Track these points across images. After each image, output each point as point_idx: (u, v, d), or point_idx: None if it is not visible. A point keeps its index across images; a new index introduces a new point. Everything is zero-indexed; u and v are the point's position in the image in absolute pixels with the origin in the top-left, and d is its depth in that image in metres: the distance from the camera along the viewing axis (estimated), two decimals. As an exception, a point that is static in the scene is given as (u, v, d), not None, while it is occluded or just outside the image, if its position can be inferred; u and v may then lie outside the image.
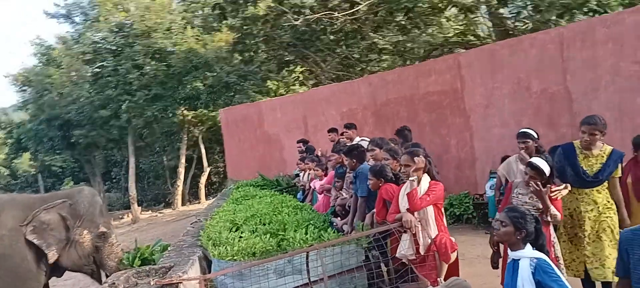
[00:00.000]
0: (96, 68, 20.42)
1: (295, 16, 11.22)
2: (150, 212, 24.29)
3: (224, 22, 14.19)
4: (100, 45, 20.73)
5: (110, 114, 20.68)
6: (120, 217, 23.51)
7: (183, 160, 23.54)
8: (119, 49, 20.06)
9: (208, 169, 24.74)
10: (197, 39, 20.26)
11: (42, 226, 5.27)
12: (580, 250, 4.36)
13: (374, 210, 5.00)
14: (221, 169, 27.73)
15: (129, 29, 19.90)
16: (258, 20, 13.42)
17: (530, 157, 4.91)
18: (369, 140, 6.70)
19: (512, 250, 3.08)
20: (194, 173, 26.07)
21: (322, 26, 12.78)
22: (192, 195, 26.23)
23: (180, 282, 3.93)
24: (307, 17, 11.60)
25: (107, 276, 5.93)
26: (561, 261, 4.26)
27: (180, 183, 23.90)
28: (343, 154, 5.43)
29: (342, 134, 8.90)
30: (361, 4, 11.51)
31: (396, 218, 4.26)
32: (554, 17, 10.82)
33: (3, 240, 4.92)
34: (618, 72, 7.12)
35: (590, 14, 9.94)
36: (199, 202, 23.92)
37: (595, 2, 9.70)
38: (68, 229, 5.46)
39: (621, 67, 7.10)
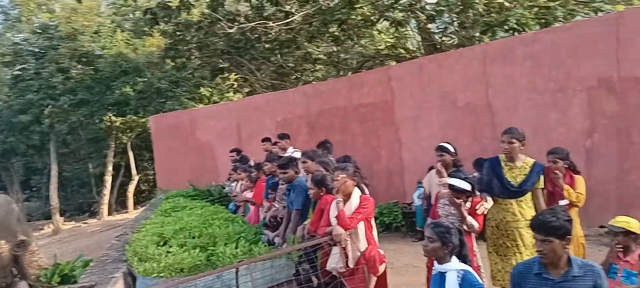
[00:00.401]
0: (16, 70, 19.25)
1: (230, 24, 11.09)
2: (73, 222, 23.03)
3: (156, 27, 13.79)
4: (21, 46, 19.60)
5: (31, 119, 19.56)
6: (41, 227, 22.08)
7: (110, 168, 22.60)
8: (42, 51, 19.04)
9: (137, 177, 23.87)
10: (127, 43, 19.60)
11: None
12: (505, 260, 4.56)
13: (306, 222, 5.04)
14: (151, 177, 26.80)
15: (53, 31, 18.94)
16: (191, 26, 13.15)
17: (447, 169, 5.19)
18: (301, 152, 6.73)
19: (439, 263, 3.19)
20: (122, 181, 25.03)
21: (257, 35, 12.73)
22: (119, 204, 25.18)
23: (101, 302, 3.75)
24: (242, 25, 11.51)
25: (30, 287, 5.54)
26: (482, 270, 4.45)
27: (106, 192, 22.90)
28: (278, 167, 5.40)
29: (275, 144, 8.87)
30: (296, 15, 11.58)
31: (326, 232, 4.30)
32: (477, 34, 11.40)
33: None
34: (535, 89, 7.61)
35: (511, 32, 10.55)
36: (127, 212, 22.97)
37: (514, 21, 10.29)
38: None
39: (538, 84, 7.59)
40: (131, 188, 23.71)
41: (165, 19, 12.13)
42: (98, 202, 23.94)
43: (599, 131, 7.07)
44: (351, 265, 4.27)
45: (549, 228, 2.62)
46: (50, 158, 23.37)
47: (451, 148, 5.42)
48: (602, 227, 6.64)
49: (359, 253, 4.24)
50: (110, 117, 21.00)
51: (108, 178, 22.69)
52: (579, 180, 4.86)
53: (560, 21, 11.17)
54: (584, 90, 7.19)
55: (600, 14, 10.93)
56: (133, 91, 19.56)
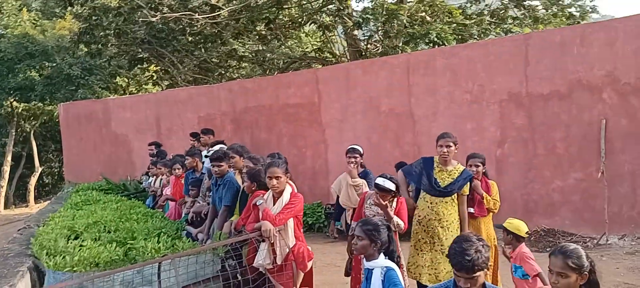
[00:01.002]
0: None
1: (152, 12, 10.64)
2: (-38, 215, 20.99)
3: (69, 9, 12.92)
4: None
5: None
6: None
7: (9, 158, 20.95)
8: None
9: (40, 169, 22.23)
10: (34, 23, 18.16)
11: None
12: (419, 255, 4.77)
13: (232, 218, 4.95)
14: (56, 170, 25.13)
15: (-54, 4, 17.14)
16: (109, 11, 12.46)
17: (358, 169, 5.46)
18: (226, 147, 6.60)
19: (367, 261, 3.26)
20: (23, 173, 23.24)
21: (181, 26, 12.32)
22: (18, 197, 23.42)
23: (6, 298, 3.45)
24: (165, 15, 11.09)
25: None
26: (405, 268, 4.63)
27: (4, 183, 21.20)
28: (213, 160, 5.25)
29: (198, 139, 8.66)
30: (223, 9, 11.37)
31: (255, 227, 4.25)
32: (400, 44, 11.87)
33: None
34: (453, 99, 8.05)
35: (431, 44, 11.10)
36: (28, 206, 21.40)
37: (435, 35, 10.84)
38: None
39: (456, 95, 8.04)
40: (33, 180, 22.13)
41: (80, 1, 11.38)
42: (-7, 194, 22.06)
43: (508, 141, 7.63)
44: (279, 262, 4.25)
45: (479, 266, 2.53)
46: (-64, 145, 21.14)
47: (361, 150, 5.71)
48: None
49: (287, 250, 4.23)
50: (11, 102, 19.37)
51: (6, 169, 21.02)
52: (494, 186, 5.19)
53: (475, 38, 11.94)
54: (496, 103, 7.72)
55: (510, 34, 11.82)
56: (39, 76, 18.18)
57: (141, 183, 9.93)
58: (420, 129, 8.28)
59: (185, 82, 14.13)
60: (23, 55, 17.29)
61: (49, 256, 4.87)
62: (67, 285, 4.15)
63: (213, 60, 14.61)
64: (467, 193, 4.79)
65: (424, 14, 12.02)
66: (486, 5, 12.95)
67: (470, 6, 12.90)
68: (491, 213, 5.08)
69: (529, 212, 7.28)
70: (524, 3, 12.53)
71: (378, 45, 12.57)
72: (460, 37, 11.83)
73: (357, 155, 5.60)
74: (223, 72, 15.19)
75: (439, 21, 11.79)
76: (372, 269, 3.23)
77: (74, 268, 4.44)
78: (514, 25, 12.54)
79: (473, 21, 12.14)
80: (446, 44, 10.81)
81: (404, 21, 11.04)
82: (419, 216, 4.79)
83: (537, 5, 12.70)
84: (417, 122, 8.38)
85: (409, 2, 12.30)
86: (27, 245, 6.20)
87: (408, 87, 8.45)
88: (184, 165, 7.24)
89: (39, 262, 5.09)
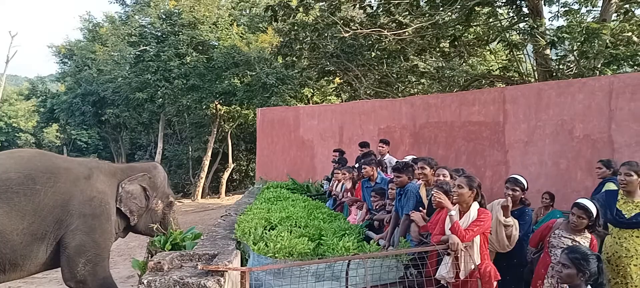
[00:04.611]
0: (139, 51, 20.91)
1: (346, 28, 11.39)
2: (169, 199, 24.48)
3: (274, 24, 14.48)
4: (146, 29, 21.26)
5: (146, 98, 21.14)
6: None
7: (209, 154, 23.80)
8: (164, 35, 20.57)
9: (232, 166, 24.93)
10: (241, 36, 20.61)
11: (127, 195, 5.84)
12: None
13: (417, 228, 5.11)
14: (243, 168, 27.91)
15: (176, 18, 20.40)
16: (307, 27, 13.63)
17: (514, 206, 4.88)
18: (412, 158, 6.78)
19: None
20: (217, 167, 26.34)
21: (370, 42, 12.91)
22: (211, 189, 26.52)
23: (226, 271, 4.08)
24: (356, 31, 11.77)
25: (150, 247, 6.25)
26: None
27: (203, 175, 24.13)
28: (393, 170, 5.53)
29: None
30: (411, 26, 11.65)
31: (442, 240, 4.36)
32: (600, 66, 10.84)
33: (94, 201, 5.35)
34: (666, 129, 7.13)
35: (638, 67, 9.94)
36: (219, 197, 24.16)
37: (644, 56, 9.71)
38: (147, 199, 5.94)
39: (670, 125, 7.11)
40: (225, 175, 24.79)
41: (285, 17, 12.68)
42: (193, 184, 25.32)
43: None
44: (462, 277, 4.29)
45: None
46: (156, 136, 25.12)
47: (525, 183, 5.07)
48: None
49: (473, 266, 4.25)
50: (216, 105, 22.17)
51: (206, 163, 23.88)
52: None
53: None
54: None
55: None
56: (240, 83, 20.55)
57: (322, 186, 10.66)
58: (621, 158, 7.44)
59: (366, 95, 14.76)
60: (230, 64, 19.68)
61: (254, 242, 5.58)
62: (270, 269, 4.74)
63: (393, 75, 15.00)
64: None
65: (630, 33, 10.82)
66: None
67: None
68: None
69: None
70: None
71: (572, 65, 11.64)
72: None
73: (517, 189, 4.97)
74: (402, 87, 15.51)
75: (650, 42, 10.50)
76: None
77: (275, 255, 5.04)
78: None
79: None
80: (658, 66, 9.60)
81: (606, 41, 10.06)
82: (607, 254, 4.44)
83: None
84: (616, 150, 7.58)
85: (612, 20, 11.18)
86: (230, 230, 7.10)
87: (609, 112, 7.71)
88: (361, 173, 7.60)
89: (245, 245, 5.83)
